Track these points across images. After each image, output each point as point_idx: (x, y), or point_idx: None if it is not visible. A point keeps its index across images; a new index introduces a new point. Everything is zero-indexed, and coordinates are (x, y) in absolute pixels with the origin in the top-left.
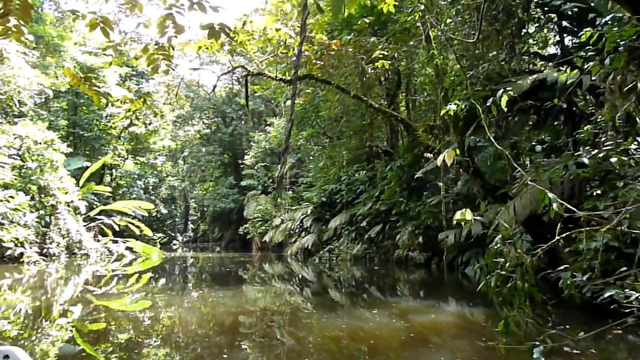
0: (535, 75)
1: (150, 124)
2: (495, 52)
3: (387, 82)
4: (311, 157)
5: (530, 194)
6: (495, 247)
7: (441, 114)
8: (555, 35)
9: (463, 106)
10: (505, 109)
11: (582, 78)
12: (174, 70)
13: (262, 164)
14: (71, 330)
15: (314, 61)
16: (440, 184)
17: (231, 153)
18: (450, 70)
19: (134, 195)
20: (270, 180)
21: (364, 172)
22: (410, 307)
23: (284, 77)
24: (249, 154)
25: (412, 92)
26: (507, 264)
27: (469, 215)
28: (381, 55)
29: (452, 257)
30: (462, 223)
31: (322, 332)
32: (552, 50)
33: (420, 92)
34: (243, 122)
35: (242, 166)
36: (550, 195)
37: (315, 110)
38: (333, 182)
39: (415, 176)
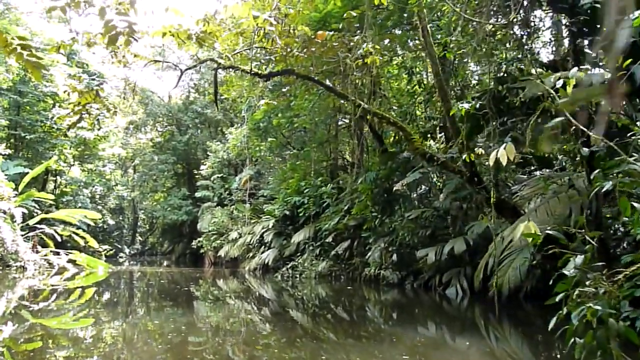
0: (559, 74)
1: (100, 128)
2: (505, 50)
3: (356, 91)
4: (270, 170)
5: (547, 209)
6: (570, 272)
7: (451, 113)
8: (554, 40)
9: (477, 105)
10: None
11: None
12: (136, 41)
13: (219, 175)
14: (1, 351)
15: (296, 53)
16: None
17: (185, 163)
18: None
19: (80, 205)
20: (227, 192)
21: (330, 184)
22: (385, 330)
23: (259, 72)
24: (205, 164)
25: (380, 102)
26: (577, 296)
27: (533, 227)
28: (372, 51)
29: (428, 277)
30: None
31: None
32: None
33: (391, 103)
34: (199, 131)
35: (197, 177)
36: (638, 205)
37: (288, 118)
38: (296, 195)
39: (394, 188)
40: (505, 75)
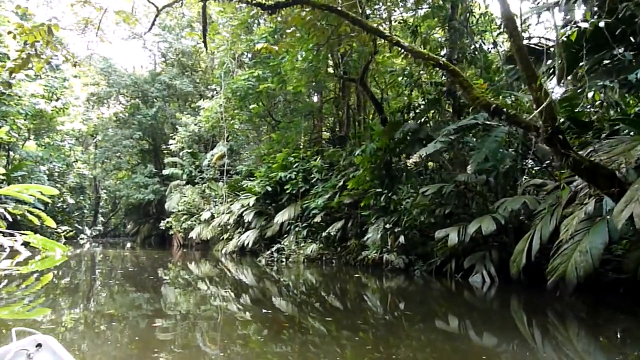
0: None
1: (58, 99)
2: None
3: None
4: (245, 146)
5: None
6: None
7: (560, 36)
8: None
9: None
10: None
11: None
12: None
13: (189, 151)
14: None
15: None
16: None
17: (152, 138)
18: None
19: (35, 182)
20: (198, 170)
21: (320, 158)
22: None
23: (263, 2)
24: (174, 139)
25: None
26: None
27: None
28: None
29: (441, 262)
30: None
31: None
32: None
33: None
34: (167, 104)
35: (164, 153)
36: None
37: (278, 78)
38: (282, 170)
39: (410, 161)
40: None
